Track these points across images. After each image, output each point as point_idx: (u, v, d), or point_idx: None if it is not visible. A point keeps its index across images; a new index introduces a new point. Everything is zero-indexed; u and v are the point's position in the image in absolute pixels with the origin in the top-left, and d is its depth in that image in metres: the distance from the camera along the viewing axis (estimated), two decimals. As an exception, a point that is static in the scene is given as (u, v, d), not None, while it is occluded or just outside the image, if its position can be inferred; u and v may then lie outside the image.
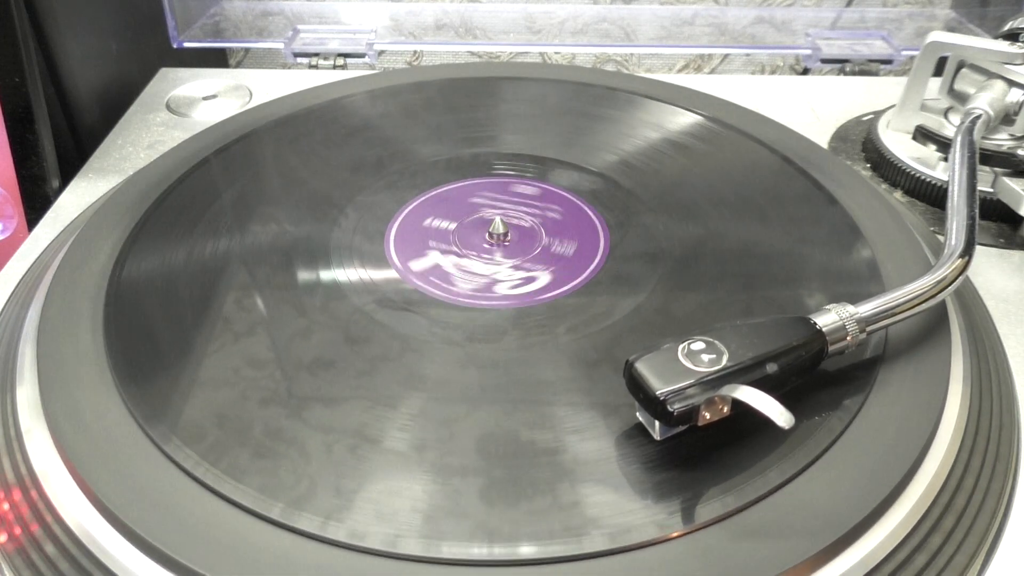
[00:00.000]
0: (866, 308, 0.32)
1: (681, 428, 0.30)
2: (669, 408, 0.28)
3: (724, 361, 0.29)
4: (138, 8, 0.66)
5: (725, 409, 0.29)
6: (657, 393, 0.28)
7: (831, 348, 0.31)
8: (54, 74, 0.56)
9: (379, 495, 0.28)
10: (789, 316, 0.32)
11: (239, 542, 0.27)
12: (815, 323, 0.31)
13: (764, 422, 0.27)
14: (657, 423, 0.29)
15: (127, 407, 0.31)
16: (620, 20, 0.73)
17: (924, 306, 0.33)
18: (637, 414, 0.31)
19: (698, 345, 0.29)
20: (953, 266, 0.34)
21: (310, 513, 0.28)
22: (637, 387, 0.29)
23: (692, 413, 0.28)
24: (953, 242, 0.36)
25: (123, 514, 0.28)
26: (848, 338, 0.31)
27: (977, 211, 0.38)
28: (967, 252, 0.35)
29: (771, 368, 0.29)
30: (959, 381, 0.34)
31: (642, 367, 0.29)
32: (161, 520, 0.28)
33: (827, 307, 0.32)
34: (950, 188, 0.40)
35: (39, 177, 0.52)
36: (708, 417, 0.29)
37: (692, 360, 0.29)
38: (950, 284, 0.34)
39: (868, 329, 0.32)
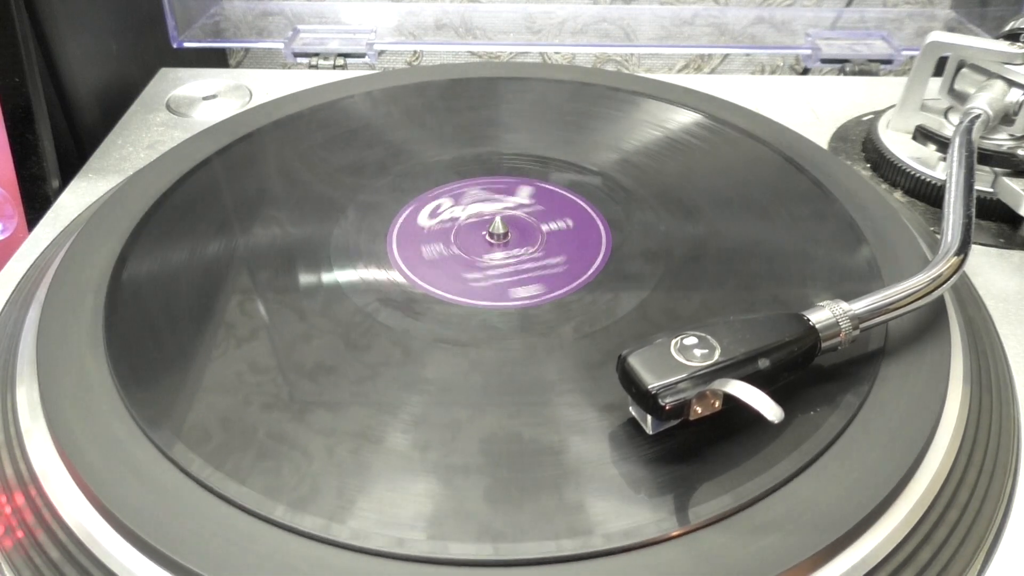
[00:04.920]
0: (860, 305, 0.32)
1: (674, 422, 0.30)
2: (661, 402, 0.28)
3: (716, 356, 0.29)
4: (138, 8, 0.67)
5: (716, 404, 0.29)
6: (649, 387, 0.28)
7: (824, 344, 0.31)
8: (54, 74, 0.56)
9: (383, 495, 0.28)
10: (783, 312, 0.32)
11: (240, 543, 0.27)
12: (808, 319, 0.31)
13: (761, 420, 0.27)
14: (649, 417, 0.29)
15: (127, 407, 0.31)
16: (620, 20, 0.73)
17: (919, 303, 0.33)
18: (630, 408, 0.31)
19: (691, 340, 0.29)
20: (948, 264, 0.34)
21: (313, 514, 0.27)
22: (630, 381, 0.29)
23: (683, 407, 0.28)
24: (949, 240, 0.36)
25: (123, 514, 0.28)
26: (841, 335, 0.31)
27: (974, 210, 0.38)
28: (963, 250, 0.35)
29: (763, 363, 0.29)
30: (959, 381, 0.34)
31: (634, 361, 0.29)
32: (162, 521, 0.28)
33: (821, 303, 0.32)
34: (947, 187, 0.40)
35: (39, 177, 0.52)
36: (700, 411, 0.29)
37: (684, 355, 0.29)
38: (945, 282, 0.34)
39: (862, 326, 0.32)
